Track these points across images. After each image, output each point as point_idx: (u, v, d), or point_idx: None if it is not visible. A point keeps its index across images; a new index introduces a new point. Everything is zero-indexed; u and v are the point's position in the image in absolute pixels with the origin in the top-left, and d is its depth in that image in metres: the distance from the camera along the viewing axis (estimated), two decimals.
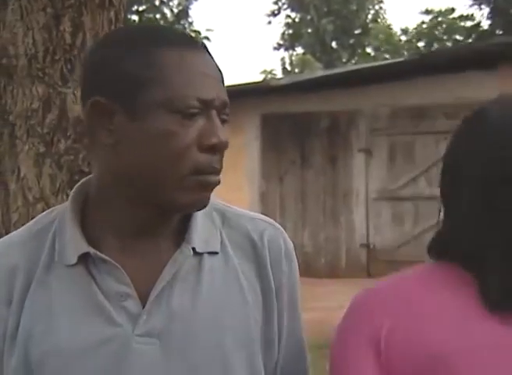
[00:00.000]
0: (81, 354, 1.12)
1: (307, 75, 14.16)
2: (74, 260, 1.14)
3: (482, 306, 1.18)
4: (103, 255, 1.14)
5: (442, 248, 1.31)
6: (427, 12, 26.47)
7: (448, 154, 1.32)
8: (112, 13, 2.38)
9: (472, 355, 1.18)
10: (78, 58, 2.34)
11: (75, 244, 1.15)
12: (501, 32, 18.30)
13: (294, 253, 1.33)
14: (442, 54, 13.28)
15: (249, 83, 11.73)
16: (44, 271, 1.16)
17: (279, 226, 1.34)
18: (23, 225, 2.31)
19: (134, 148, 1.11)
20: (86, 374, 1.12)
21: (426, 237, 7.91)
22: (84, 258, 1.14)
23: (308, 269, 11.13)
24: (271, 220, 1.33)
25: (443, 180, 1.32)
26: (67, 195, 2.39)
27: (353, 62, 28.90)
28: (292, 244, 1.33)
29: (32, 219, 2.33)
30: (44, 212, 1.32)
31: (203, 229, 1.23)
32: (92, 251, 1.14)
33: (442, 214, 1.35)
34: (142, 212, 1.16)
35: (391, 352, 1.19)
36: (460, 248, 1.26)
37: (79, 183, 1.29)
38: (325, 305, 8.97)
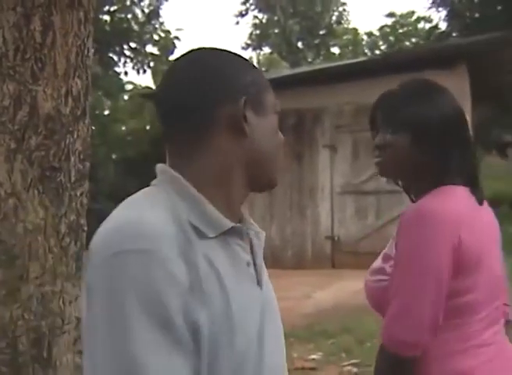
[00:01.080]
0: (246, 311, 1.23)
1: (275, 74, 14.16)
2: (215, 234, 1.23)
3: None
4: (248, 228, 1.34)
5: (450, 178, 1.86)
6: (390, 15, 26.71)
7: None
8: (82, 13, 2.37)
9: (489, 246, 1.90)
10: (48, 57, 2.33)
11: (218, 220, 1.24)
12: (457, 33, 18.44)
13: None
14: (402, 54, 13.40)
15: None
16: (195, 248, 1.18)
17: None
18: None
19: (260, 140, 1.32)
20: (249, 329, 1.24)
21: (388, 230, 8.07)
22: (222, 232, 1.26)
23: (276, 261, 11.17)
24: None
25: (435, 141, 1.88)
26: (38, 190, 2.40)
27: (318, 61, 28.96)
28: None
29: (3, 213, 2.33)
30: (142, 197, 1.28)
31: None
32: (238, 225, 1.28)
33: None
34: (247, 192, 1.35)
35: (461, 253, 1.73)
36: (462, 176, 1.88)
37: (162, 171, 1.33)
38: (292, 295, 9.00)
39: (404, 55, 12.64)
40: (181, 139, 1.32)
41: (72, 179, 2.48)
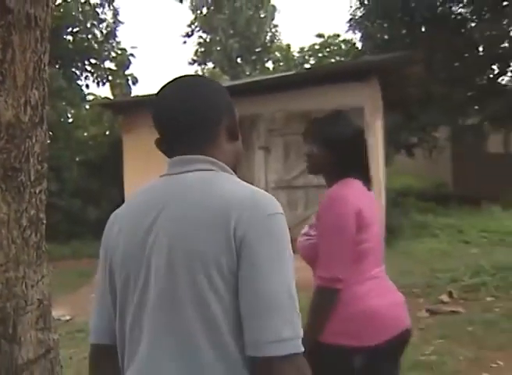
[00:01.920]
0: None
1: None
2: None
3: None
4: None
5: (348, 173, 2.54)
6: (319, 35, 26.95)
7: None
8: (38, 33, 2.34)
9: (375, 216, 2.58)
10: (8, 71, 2.29)
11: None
12: (370, 52, 18.74)
13: None
14: (325, 69, 13.52)
15: None
16: None
17: None
18: None
19: (240, 142, 1.73)
20: None
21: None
22: None
23: None
24: None
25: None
26: (1, 188, 2.36)
27: (255, 74, 29.03)
28: None
29: None
30: (236, 179, 1.58)
31: None
32: None
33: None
34: None
35: (361, 218, 2.42)
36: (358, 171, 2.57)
37: (205, 160, 1.55)
38: None
39: (327, 69, 12.77)
40: (198, 138, 1.56)
41: (32, 178, 2.45)
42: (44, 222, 2.54)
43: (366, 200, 2.53)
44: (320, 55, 26.20)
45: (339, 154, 2.54)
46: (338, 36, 25.94)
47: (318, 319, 2.39)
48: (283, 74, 14.83)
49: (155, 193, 1.53)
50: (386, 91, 11.15)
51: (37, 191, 2.48)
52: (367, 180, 2.61)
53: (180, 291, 1.38)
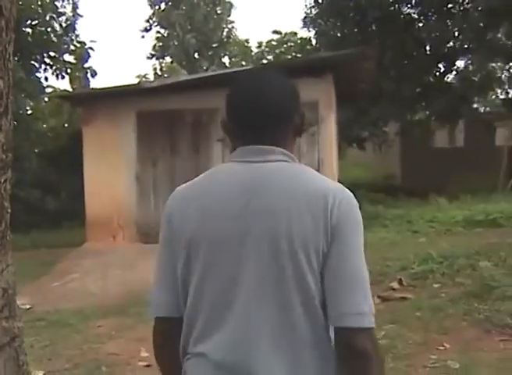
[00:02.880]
0: None
1: (175, 78, 13.99)
2: None
3: None
4: None
5: None
6: (275, 32, 26.92)
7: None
8: (3, 22, 2.26)
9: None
10: None
11: None
12: (324, 49, 18.85)
13: None
14: (282, 64, 13.53)
15: (126, 86, 11.49)
16: None
17: None
18: None
19: None
20: None
21: None
22: None
23: None
24: None
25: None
26: None
27: (212, 69, 28.90)
28: None
29: None
30: (312, 171, 1.64)
31: None
32: None
33: None
34: None
35: None
36: None
37: (282, 152, 1.62)
38: None
39: (284, 64, 12.78)
40: (275, 131, 1.62)
41: None
42: (9, 211, 2.47)
43: None
44: (277, 51, 26.19)
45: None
46: (295, 34, 25.97)
47: None
48: (241, 68, 14.78)
49: (240, 179, 1.58)
50: (339, 87, 11.21)
51: (2, 181, 2.41)
52: None
53: (282, 272, 1.48)
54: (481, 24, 14.35)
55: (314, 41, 21.00)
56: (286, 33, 26.81)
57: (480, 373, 4.46)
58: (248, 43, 31.05)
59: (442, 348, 5.07)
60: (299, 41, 25.09)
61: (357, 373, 1.45)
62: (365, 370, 1.44)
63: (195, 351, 1.58)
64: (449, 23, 16.44)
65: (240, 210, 1.53)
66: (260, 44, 28.17)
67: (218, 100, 9.56)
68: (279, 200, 1.51)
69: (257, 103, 1.61)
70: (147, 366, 5.10)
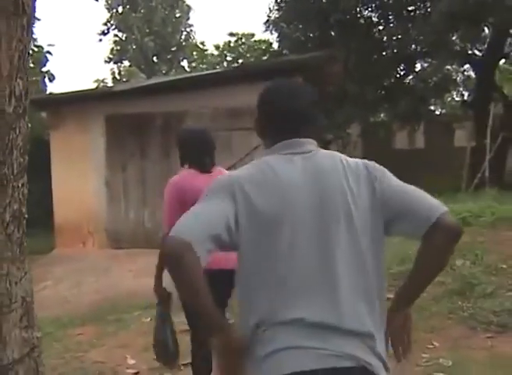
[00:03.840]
0: None
1: (144, 82, 13.84)
2: None
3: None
4: None
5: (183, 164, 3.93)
6: (231, 34, 26.93)
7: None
8: (25, 20, 2.18)
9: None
10: None
11: None
12: (286, 51, 18.92)
13: None
14: (252, 67, 13.53)
15: (94, 89, 11.33)
16: None
17: None
18: None
19: None
20: None
21: None
22: None
23: (149, 243, 10.97)
24: None
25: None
26: None
27: (171, 73, 28.72)
28: None
29: None
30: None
31: None
32: None
33: None
34: None
35: (181, 193, 3.64)
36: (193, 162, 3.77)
37: (315, 144, 1.99)
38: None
39: (254, 67, 12.76)
40: (308, 130, 1.96)
41: (15, 171, 2.29)
42: (26, 216, 2.38)
43: (192, 181, 3.64)
44: (233, 54, 26.18)
45: (179, 151, 3.92)
46: (252, 35, 26.00)
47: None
48: (210, 72, 14.72)
49: (299, 166, 1.86)
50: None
51: (20, 185, 2.33)
52: (199, 167, 3.75)
53: (356, 236, 1.80)
54: (442, 28, 14.59)
55: (276, 44, 21.03)
56: (243, 35, 26.81)
57: (473, 371, 4.51)
58: (204, 45, 30.99)
59: (431, 346, 5.10)
60: (259, 44, 25.17)
61: (455, 239, 1.83)
62: (459, 236, 1.83)
63: (288, 318, 1.70)
64: (410, 26, 16.66)
65: (313, 190, 1.81)
66: (217, 47, 28.12)
67: (187, 103, 9.57)
68: (335, 179, 1.84)
69: (295, 106, 1.95)
70: (136, 373, 5.01)
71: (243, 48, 26.15)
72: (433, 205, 1.83)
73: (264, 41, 23.42)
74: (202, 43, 30.01)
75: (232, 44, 26.74)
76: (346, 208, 1.80)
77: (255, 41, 25.44)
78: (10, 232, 2.28)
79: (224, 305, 3.68)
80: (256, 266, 1.76)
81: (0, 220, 2.24)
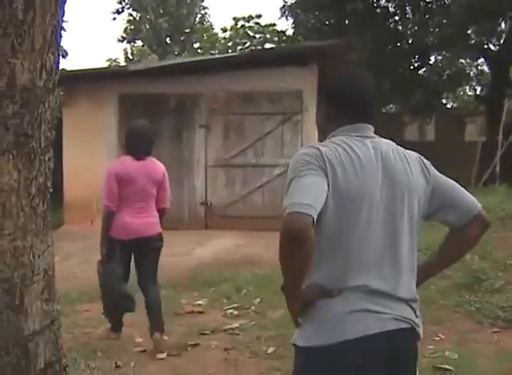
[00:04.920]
0: None
1: (160, 62, 13.82)
2: None
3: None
4: None
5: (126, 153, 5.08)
6: (235, 19, 26.88)
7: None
8: None
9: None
10: (27, 33, 2.13)
11: None
12: (301, 38, 18.84)
13: None
14: (267, 52, 13.51)
15: (110, 68, 11.32)
16: None
17: None
18: None
19: None
20: None
21: (252, 197, 8.27)
22: None
23: None
24: None
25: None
26: (13, 155, 2.21)
27: (184, 55, 28.62)
28: None
29: None
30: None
31: None
32: None
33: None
34: None
35: (119, 177, 4.89)
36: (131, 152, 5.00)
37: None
38: (175, 252, 8.88)
39: (269, 52, 12.75)
40: (371, 115, 2.15)
41: (42, 145, 2.31)
42: (51, 190, 2.40)
43: (127, 167, 4.83)
44: (243, 39, 26.06)
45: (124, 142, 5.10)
46: (259, 16, 25.90)
47: (105, 225, 4.87)
48: (226, 55, 14.71)
49: (371, 149, 2.04)
50: (323, 76, 11.21)
51: (46, 159, 2.35)
52: (135, 155, 4.86)
53: (413, 216, 2.07)
54: (461, 20, 14.50)
55: (290, 31, 20.94)
56: (250, 17, 26.62)
57: (479, 364, 4.53)
58: (213, 29, 30.84)
59: (437, 338, 5.12)
60: (266, 28, 25.01)
61: (483, 231, 2.16)
62: (488, 228, 2.17)
63: (355, 284, 1.93)
64: (427, 18, 16.57)
65: (384, 171, 2.01)
66: (224, 30, 27.96)
67: (202, 85, 9.57)
68: (401, 162, 2.07)
69: (367, 92, 2.15)
70: (143, 351, 5.05)
71: (252, 32, 26.00)
72: (474, 200, 2.14)
73: (273, 25, 23.31)
74: (211, 26, 29.83)
75: (239, 28, 26.58)
76: (408, 191, 2.04)
77: (266, 25, 25.26)
78: (35, 205, 2.30)
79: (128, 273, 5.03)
80: (337, 234, 1.94)
81: (26, 193, 2.25)
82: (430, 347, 4.91)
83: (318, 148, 1.97)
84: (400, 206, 2.03)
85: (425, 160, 2.18)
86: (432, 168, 2.17)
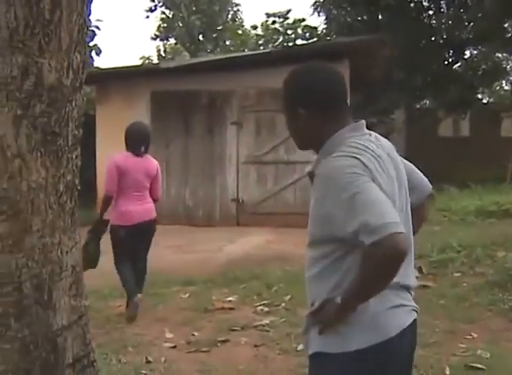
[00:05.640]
0: None
1: (192, 60, 13.89)
2: None
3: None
4: None
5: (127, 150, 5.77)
6: (268, 15, 26.77)
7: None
8: None
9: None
10: (54, 33, 2.16)
11: None
12: (333, 34, 18.74)
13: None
14: (298, 48, 13.46)
15: (142, 66, 11.43)
16: None
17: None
18: (0, 179, 2.15)
19: None
20: None
21: (284, 194, 8.28)
22: None
23: (190, 220, 11.10)
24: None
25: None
26: (41, 153, 2.25)
27: (216, 52, 28.69)
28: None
29: (10, 173, 2.18)
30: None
31: None
32: None
33: None
34: None
35: (119, 170, 5.66)
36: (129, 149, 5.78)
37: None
38: (206, 248, 8.96)
39: (299, 49, 12.71)
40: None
41: (70, 143, 2.34)
42: (79, 188, 2.43)
43: (128, 161, 5.60)
44: (274, 36, 25.98)
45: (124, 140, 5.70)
46: (289, 11, 25.77)
47: (103, 208, 5.65)
48: (258, 52, 14.70)
49: (378, 143, 2.01)
50: (354, 72, 11.14)
51: (74, 157, 2.38)
52: (135, 152, 5.63)
53: (408, 202, 2.09)
54: (497, 14, 14.25)
55: (322, 27, 20.84)
56: (281, 14, 26.53)
57: None
58: (243, 26, 30.80)
59: (469, 337, 5.05)
60: (297, 24, 24.88)
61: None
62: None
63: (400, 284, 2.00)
64: (462, 12, 16.33)
65: (394, 167, 2.01)
66: (254, 27, 27.88)
67: (233, 82, 9.61)
68: (396, 154, 2.09)
69: (341, 86, 2.07)
70: (173, 347, 5.09)
71: (282, 29, 25.92)
72: (427, 180, 2.28)
73: (303, 20, 23.17)
74: (242, 24, 29.83)
75: (269, 25, 26.53)
76: (406, 182, 2.09)
77: (298, 20, 25.13)
78: (63, 202, 2.33)
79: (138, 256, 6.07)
80: None
81: (54, 190, 2.29)
82: (462, 345, 4.86)
83: (358, 159, 1.87)
84: (406, 199, 2.07)
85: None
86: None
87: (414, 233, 2.17)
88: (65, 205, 2.35)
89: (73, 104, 2.31)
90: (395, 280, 1.87)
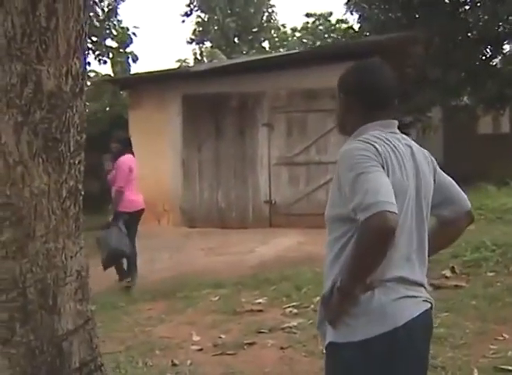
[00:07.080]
0: None
1: (222, 62, 13.94)
2: None
3: None
4: None
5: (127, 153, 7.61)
6: (308, 15, 26.64)
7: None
8: (81, 1, 2.22)
9: None
10: (51, 40, 2.18)
11: None
12: (368, 33, 18.57)
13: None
14: (329, 48, 13.40)
15: (172, 69, 11.52)
16: None
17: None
18: (2, 185, 2.17)
19: None
20: None
21: (316, 195, 8.23)
22: None
23: (222, 222, 11.12)
24: None
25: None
26: (42, 159, 2.26)
27: (251, 54, 28.73)
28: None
29: (12, 179, 2.20)
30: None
31: None
32: None
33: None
34: None
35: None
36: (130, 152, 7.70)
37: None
38: (238, 250, 8.96)
39: (331, 48, 12.64)
40: (394, 111, 2.20)
41: (72, 149, 2.36)
42: (82, 193, 2.45)
43: (133, 162, 7.42)
44: (312, 37, 25.88)
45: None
46: (331, 14, 25.61)
47: (118, 199, 7.20)
48: (287, 52, 14.67)
49: (404, 145, 2.10)
50: None
51: (76, 162, 2.39)
52: (133, 155, 7.49)
53: (428, 209, 2.14)
54: None
55: (357, 25, 20.66)
56: (320, 15, 26.40)
57: None
58: (284, 27, 30.75)
59: (501, 338, 4.92)
60: (338, 24, 24.73)
61: (468, 225, 2.33)
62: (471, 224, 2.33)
63: (392, 276, 1.99)
64: (498, 6, 15.96)
65: (414, 166, 2.08)
66: (294, 29, 27.80)
67: (264, 84, 9.60)
68: (423, 161, 2.15)
69: (392, 86, 2.17)
70: (200, 349, 5.09)
71: (321, 30, 25.80)
72: (466, 197, 2.29)
73: (342, 21, 23.01)
74: (283, 25, 29.78)
75: (309, 26, 26.42)
76: (428, 188, 2.13)
77: (331, 23, 25.03)
78: (66, 207, 2.35)
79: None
80: None
81: (57, 196, 2.30)
82: (492, 347, 4.73)
83: (372, 145, 1.98)
84: (424, 202, 2.10)
85: (431, 157, 2.25)
86: (436, 164, 2.25)
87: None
88: (69, 210, 2.37)
89: (74, 110, 2.33)
90: (403, 275, 2.01)
